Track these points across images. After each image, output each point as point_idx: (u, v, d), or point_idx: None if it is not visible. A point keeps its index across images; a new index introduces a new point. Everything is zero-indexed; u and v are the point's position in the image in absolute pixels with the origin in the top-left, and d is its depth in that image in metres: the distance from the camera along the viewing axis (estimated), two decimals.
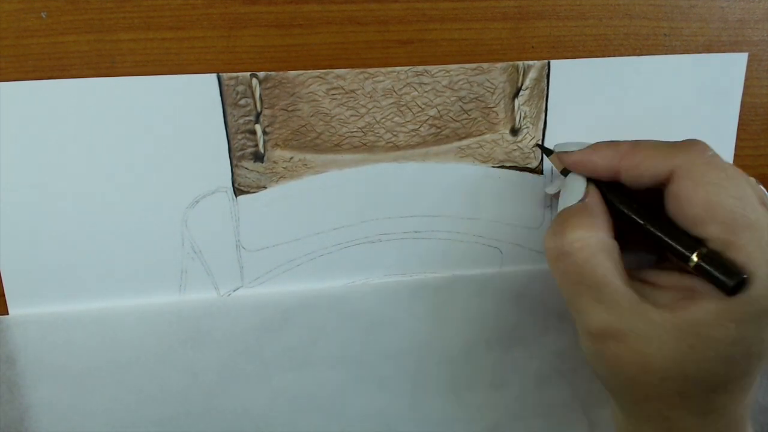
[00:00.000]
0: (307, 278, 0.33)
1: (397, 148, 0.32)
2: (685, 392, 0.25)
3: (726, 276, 0.24)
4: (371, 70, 0.31)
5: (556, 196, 0.30)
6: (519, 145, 0.33)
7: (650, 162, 0.26)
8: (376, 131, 0.32)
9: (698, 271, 0.25)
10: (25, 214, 0.30)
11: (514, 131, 0.33)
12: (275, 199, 0.32)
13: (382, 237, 0.33)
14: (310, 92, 0.31)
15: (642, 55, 0.33)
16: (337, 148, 0.32)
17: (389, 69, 0.31)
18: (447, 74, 0.31)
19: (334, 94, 0.31)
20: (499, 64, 0.32)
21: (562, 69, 0.32)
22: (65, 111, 0.29)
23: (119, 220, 0.31)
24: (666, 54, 0.33)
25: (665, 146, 0.26)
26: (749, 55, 0.33)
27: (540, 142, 0.33)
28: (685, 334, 0.24)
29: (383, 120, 0.32)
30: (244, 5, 0.29)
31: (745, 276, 0.23)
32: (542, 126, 0.33)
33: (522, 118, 0.33)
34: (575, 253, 0.26)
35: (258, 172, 0.31)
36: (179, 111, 0.30)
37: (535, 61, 0.32)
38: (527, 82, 0.32)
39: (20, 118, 0.29)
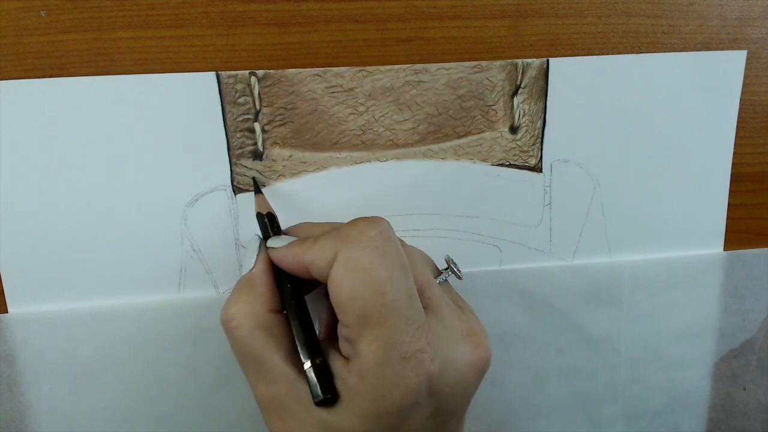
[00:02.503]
0: None
1: (396, 146, 0.32)
2: None
3: (314, 393, 0.23)
4: (370, 68, 0.31)
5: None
6: (518, 143, 0.33)
7: (323, 251, 0.24)
8: (375, 129, 0.32)
9: (306, 377, 0.24)
10: (25, 213, 0.30)
11: (513, 129, 0.33)
12: (274, 198, 0.32)
13: None
14: (309, 90, 0.31)
15: (641, 52, 0.33)
16: (336, 146, 0.32)
17: (388, 67, 0.31)
18: (446, 72, 0.31)
19: (332, 92, 0.31)
20: (498, 62, 0.32)
21: (561, 67, 0.32)
22: (65, 109, 0.29)
23: (118, 218, 0.31)
24: (665, 52, 0.33)
25: (336, 231, 0.24)
26: (748, 53, 0.33)
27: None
28: (324, 422, 0.23)
29: (382, 118, 0.32)
30: (243, 3, 0.29)
31: (328, 396, 0.23)
32: (541, 124, 0.33)
33: (521, 116, 0.33)
34: (234, 330, 0.25)
35: (257, 170, 0.31)
36: (178, 109, 0.30)
37: (534, 59, 0.32)
38: (526, 80, 0.32)
39: (20, 117, 0.29)
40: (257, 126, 0.31)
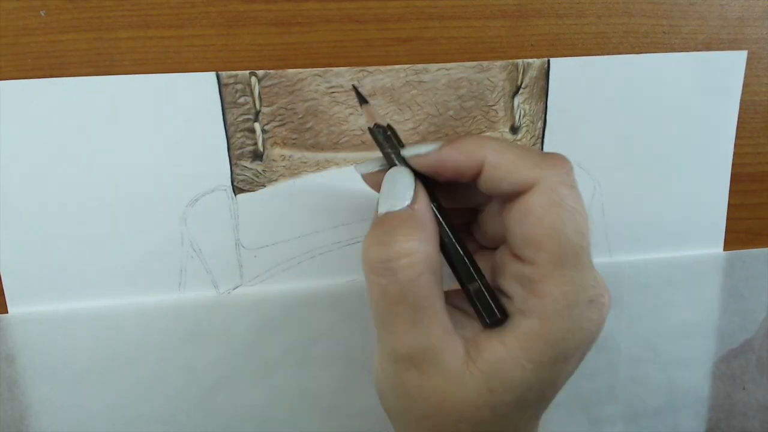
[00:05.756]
0: (307, 276, 0.33)
1: None
2: None
3: (489, 312, 0.23)
4: (370, 69, 0.31)
5: (371, 178, 0.26)
6: (519, 143, 0.33)
7: (518, 164, 0.22)
8: None
9: (470, 300, 0.23)
10: (25, 213, 0.30)
11: (514, 129, 0.33)
12: (274, 198, 0.32)
13: None
14: (309, 90, 0.31)
15: (641, 53, 0.33)
16: (336, 146, 0.32)
17: (388, 67, 0.31)
18: (446, 72, 0.31)
19: (333, 93, 0.31)
20: (499, 62, 0.32)
21: (561, 67, 0.32)
22: (64, 109, 0.29)
23: (118, 218, 0.31)
24: (665, 52, 0.33)
25: (535, 155, 0.23)
26: (748, 53, 0.33)
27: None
28: (486, 377, 0.22)
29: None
30: (243, 3, 0.29)
31: (500, 317, 0.22)
32: (542, 124, 0.33)
33: (522, 117, 0.33)
34: (401, 270, 0.21)
35: (257, 170, 0.31)
36: (178, 109, 0.30)
37: (535, 59, 0.32)
38: (527, 80, 0.32)
39: (19, 117, 0.29)
40: (257, 126, 0.31)
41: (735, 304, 0.38)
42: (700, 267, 0.37)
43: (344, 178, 0.32)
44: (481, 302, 0.23)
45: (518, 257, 0.22)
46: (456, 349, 0.22)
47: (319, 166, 0.32)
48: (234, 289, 0.33)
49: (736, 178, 0.36)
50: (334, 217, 0.32)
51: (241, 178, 0.31)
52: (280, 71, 0.30)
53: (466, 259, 0.23)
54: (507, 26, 0.31)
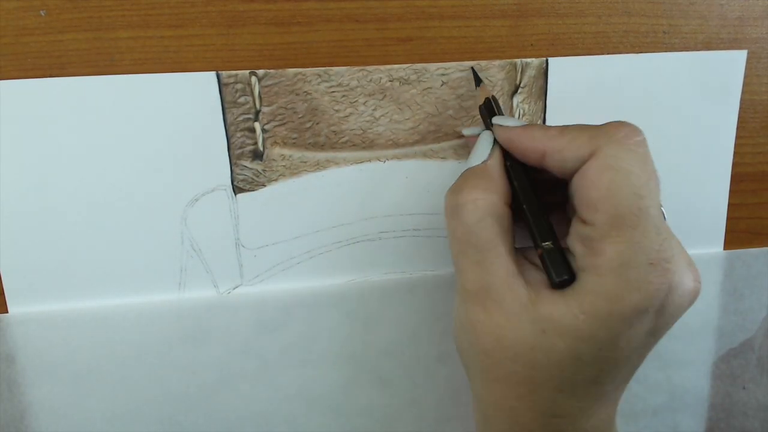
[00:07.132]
0: (307, 276, 0.33)
1: (396, 145, 0.32)
2: (531, 381, 0.25)
3: (555, 272, 0.24)
4: (370, 68, 0.31)
5: (471, 139, 0.30)
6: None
7: (575, 144, 0.24)
8: (375, 129, 0.32)
9: (540, 259, 0.25)
10: (25, 213, 0.30)
11: None
12: (274, 197, 0.32)
13: (381, 235, 0.33)
14: (309, 90, 0.31)
15: (641, 52, 0.33)
16: (336, 145, 0.32)
17: (388, 66, 0.31)
18: (446, 72, 0.31)
19: (333, 92, 0.31)
20: (498, 62, 0.32)
21: (560, 67, 0.32)
22: (64, 109, 0.29)
23: (118, 218, 0.31)
24: (665, 51, 0.33)
25: (591, 128, 0.24)
26: (748, 53, 0.33)
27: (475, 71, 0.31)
28: (540, 318, 0.24)
29: (382, 118, 0.32)
30: (243, 3, 0.29)
31: (566, 278, 0.24)
32: (541, 124, 0.33)
33: (521, 116, 0.33)
34: (466, 212, 0.25)
35: (257, 170, 0.31)
36: (178, 109, 0.30)
37: (534, 59, 0.32)
38: (526, 80, 0.32)
39: (19, 117, 0.29)
40: (257, 126, 0.31)
41: (735, 303, 0.38)
42: (700, 267, 0.36)
43: (344, 178, 0.32)
44: (546, 262, 0.25)
45: (582, 220, 0.24)
46: (517, 291, 0.25)
47: (319, 166, 0.32)
48: (234, 289, 0.33)
49: (736, 178, 0.36)
50: (334, 217, 0.32)
51: (241, 177, 0.31)
52: (280, 71, 0.30)
53: (532, 219, 0.26)
54: (506, 26, 0.31)
